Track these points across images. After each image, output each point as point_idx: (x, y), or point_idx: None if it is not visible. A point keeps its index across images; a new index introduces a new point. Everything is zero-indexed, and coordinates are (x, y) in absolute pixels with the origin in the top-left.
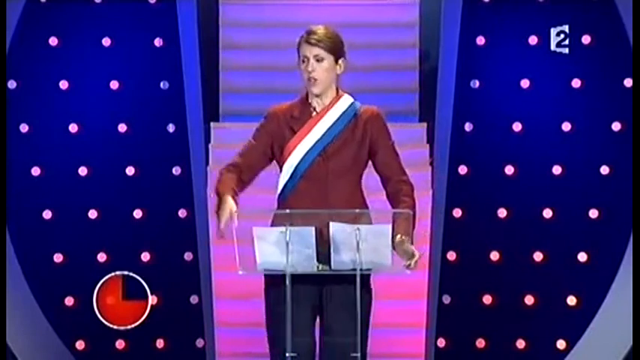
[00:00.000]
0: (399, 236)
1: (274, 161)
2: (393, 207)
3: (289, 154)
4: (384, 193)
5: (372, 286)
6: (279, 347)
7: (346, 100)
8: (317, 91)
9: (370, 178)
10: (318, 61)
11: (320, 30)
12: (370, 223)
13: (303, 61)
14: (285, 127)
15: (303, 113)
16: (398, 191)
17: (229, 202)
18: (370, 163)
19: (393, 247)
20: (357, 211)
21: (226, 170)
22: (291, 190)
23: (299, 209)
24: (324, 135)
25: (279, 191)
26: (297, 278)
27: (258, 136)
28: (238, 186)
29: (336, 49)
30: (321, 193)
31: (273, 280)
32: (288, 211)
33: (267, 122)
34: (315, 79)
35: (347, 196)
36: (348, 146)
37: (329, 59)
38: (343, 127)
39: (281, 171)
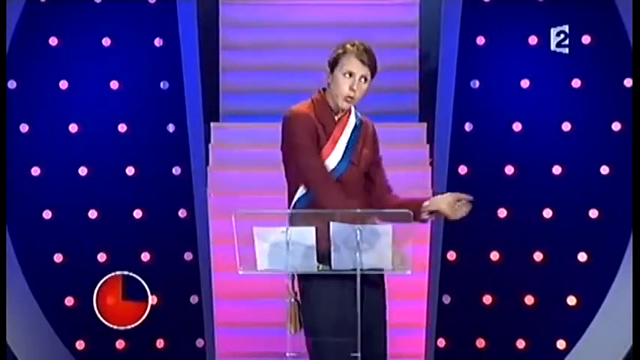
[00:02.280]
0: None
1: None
2: (387, 200)
3: (326, 158)
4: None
5: (386, 286)
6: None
7: (352, 107)
8: (347, 107)
9: None
10: (363, 81)
11: (367, 48)
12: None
13: (347, 76)
14: (318, 126)
15: (327, 116)
16: (389, 189)
17: None
18: None
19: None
20: (371, 210)
21: (334, 179)
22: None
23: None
24: (347, 144)
25: (298, 196)
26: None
27: (309, 142)
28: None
29: (375, 70)
30: (354, 196)
31: (317, 279)
32: (288, 211)
33: (305, 124)
34: (353, 98)
35: (366, 198)
36: (365, 154)
37: (369, 81)
38: (359, 134)
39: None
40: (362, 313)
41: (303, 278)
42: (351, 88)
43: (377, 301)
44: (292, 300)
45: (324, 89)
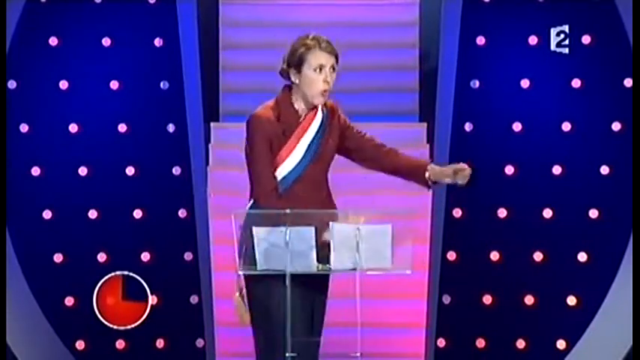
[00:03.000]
0: (430, 167)
1: None
2: (385, 157)
3: (285, 158)
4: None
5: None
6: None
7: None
8: (322, 102)
9: (340, 177)
10: (332, 70)
11: (326, 38)
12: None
13: (318, 70)
14: (278, 131)
15: (290, 116)
16: (381, 146)
17: None
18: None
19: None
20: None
21: (276, 196)
22: (284, 192)
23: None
24: (312, 140)
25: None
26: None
27: (263, 148)
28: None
29: (338, 59)
30: (311, 194)
31: (257, 277)
32: (288, 211)
33: (261, 129)
34: (327, 91)
35: (328, 193)
36: (328, 145)
37: (336, 69)
38: (324, 128)
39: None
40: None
41: (250, 279)
42: (325, 81)
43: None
44: (237, 295)
45: (289, 87)
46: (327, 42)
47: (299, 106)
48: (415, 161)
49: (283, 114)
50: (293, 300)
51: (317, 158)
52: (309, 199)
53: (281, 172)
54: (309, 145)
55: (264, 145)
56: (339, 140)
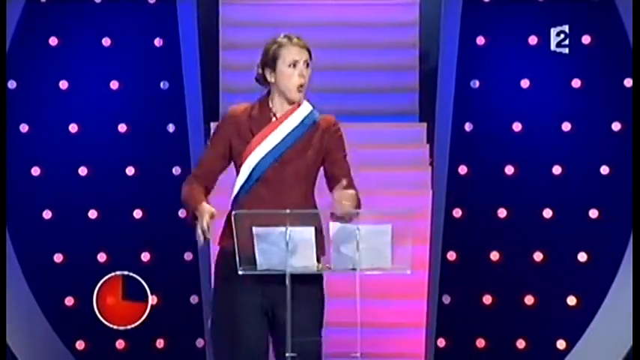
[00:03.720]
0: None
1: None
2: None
3: (247, 156)
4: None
5: (325, 289)
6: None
7: (306, 108)
8: (300, 98)
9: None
10: (307, 66)
11: (297, 35)
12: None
13: (292, 66)
14: (245, 129)
15: (263, 116)
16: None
17: (208, 207)
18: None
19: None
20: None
21: (189, 184)
22: (247, 192)
23: (254, 209)
24: (282, 140)
25: (234, 193)
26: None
27: (216, 141)
28: (206, 197)
29: (311, 54)
30: (275, 198)
31: (224, 274)
32: (288, 211)
33: (225, 124)
34: (303, 86)
35: (300, 201)
36: (304, 154)
37: (311, 66)
38: (301, 134)
39: (238, 173)
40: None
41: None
42: (300, 76)
43: (304, 298)
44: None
45: (269, 91)
46: (298, 38)
47: (275, 107)
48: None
49: (255, 112)
50: (251, 303)
51: (283, 161)
52: (265, 200)
53: (249, 166)
54: (275, 147)
55: (217, 138)
56: (321, 157)
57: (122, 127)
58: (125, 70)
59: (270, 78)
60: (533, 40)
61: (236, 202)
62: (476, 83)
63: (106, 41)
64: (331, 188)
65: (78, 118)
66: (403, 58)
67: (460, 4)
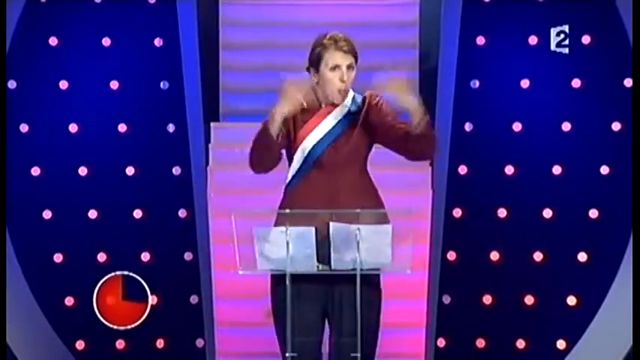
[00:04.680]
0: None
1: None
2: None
3: (302, 140)
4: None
5: (382, 286)
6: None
7: (350, 94)
8: (342, 101)
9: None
10: (350, 69)
11: (344, 37)
12: (371, 221)
13: (334, 69)
14: (296, 117)
15: (311, 106)
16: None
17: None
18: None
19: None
20: (359, 211)
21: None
22: (303, 177)
23: (310, 197)
24: (334, 126)
25: (289, 179)
26: (304, 277)
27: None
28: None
29: (357, 57)
30: (331, 182)
31: (280, 279)
32: (288, 211)
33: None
34: (347, 91)
35: (355, 183)
36: (354, 137)
37: (355, 67)
38: (350, 120)
39: (290, 160)
40: (336, 310)
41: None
42: (341, 80)
43: (354, 300)
44: None
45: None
46: (345, 41)
47: (321, 98)
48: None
49: (306, 103)
50: (300, 299)
51: (337, 146)
52: (321, 185)
53: (304, 149)
54: (327, 134)
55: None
56: (374, 133)
57: (122, 127)
58: (125, 70)
59: (314, 78)
60: (533, 40)
61: (290, 188)
62: (476, 83)
63: (106, 41)
64: (398, 141)
65: (78, 118)
66: (403, 58)
67: (460, 4)
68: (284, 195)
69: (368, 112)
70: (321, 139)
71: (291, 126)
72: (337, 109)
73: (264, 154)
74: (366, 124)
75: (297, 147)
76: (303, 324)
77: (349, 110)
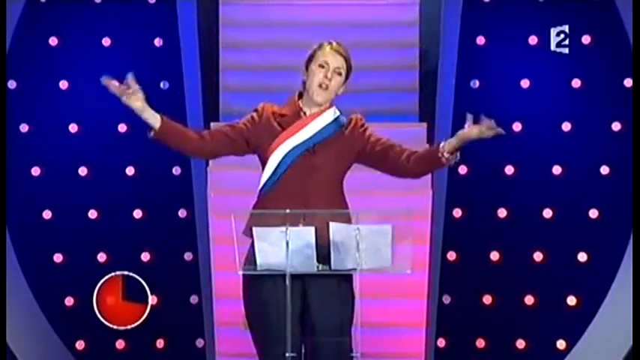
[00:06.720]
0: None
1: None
2: (403, 164)
3: (277, 146)
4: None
5: (356, 286)
6: (273, 347)
7: (335, 111)
8: (321, 100)
9: (352, 177)
10: (337, 73)
11: (343, 45)
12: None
13: (322, 67)
14: (274, 124)
15: (293, 114)
16: (405, 152)
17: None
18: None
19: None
20: (349, 211)
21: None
22: (275, 182)
23: (279, 201)
24: (312, 136)
25: (261, 184)
26: (279, 277)
27: (241, 126)
28: (179, 129)
29: (350, 70)
30: (302, 187)
31: (252, 281)
32: (288, 211)
33: (257, 115)
34: (327, 87)
35: (327, 194)
36: (334, 147)
37: (343, 77)
38: (331, 133)
39: (264, 166)
40: (312, 309)
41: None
42: (325, 76)
43: (329, 298)
44: None
45: (301, 93)
46: (340, 45)
47: (305, 107)
48: (428, 151)
49: (286, 110)
50: (280, 298)
51: (313, 151)
52: (291, 190)
53: (278, 156)
54: (309, 138)
55: (243, 123)
56: (355, 154)
57: (122, 127)
58: (125, 70)
59: (304, 77)
60: (533, 40)
61: (262, 192)
62: (476, 83)
63: (106, 41)
64: (390, 166)
65: (78, 118)
66: (403, 58)
67: (460, 4)
68: (257, 198)
69: (352, 131)
70: (297, 146)
71: (263, 137)
72: (318, 121)
73: (181, 151)
74: (348, 143)
75: (273, 150)
76: (280, 328)
77: (331, 123)
